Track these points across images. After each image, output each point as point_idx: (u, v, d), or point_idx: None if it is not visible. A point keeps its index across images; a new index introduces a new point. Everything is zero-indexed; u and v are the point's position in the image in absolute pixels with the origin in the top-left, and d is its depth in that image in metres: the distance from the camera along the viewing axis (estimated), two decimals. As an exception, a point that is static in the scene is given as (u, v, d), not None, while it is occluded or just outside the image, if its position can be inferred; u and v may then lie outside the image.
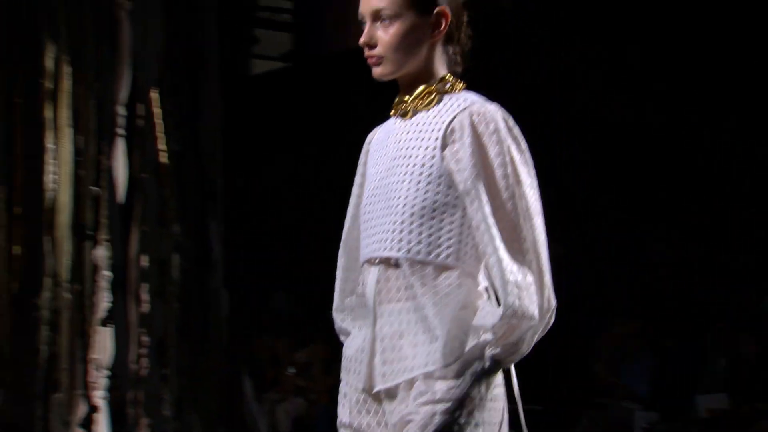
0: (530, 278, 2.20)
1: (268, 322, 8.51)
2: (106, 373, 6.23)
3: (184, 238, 6.50)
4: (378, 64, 2.38)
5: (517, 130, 2.27)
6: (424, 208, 2.26)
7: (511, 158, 2.23)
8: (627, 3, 9.30)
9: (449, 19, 2.35)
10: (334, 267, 2.61)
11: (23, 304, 6.12)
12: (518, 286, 2.17)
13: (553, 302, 2.24)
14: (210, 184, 6.60)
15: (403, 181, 2.30)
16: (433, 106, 2.35)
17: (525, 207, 2.22)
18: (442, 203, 2.26)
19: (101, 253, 6.24)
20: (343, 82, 9.45)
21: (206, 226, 6.57)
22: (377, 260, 2.32)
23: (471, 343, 2.20)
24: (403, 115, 2.39)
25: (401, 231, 2.28)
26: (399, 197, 2.30)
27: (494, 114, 2.26)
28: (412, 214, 2.27)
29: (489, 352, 2.19)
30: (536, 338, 2.25)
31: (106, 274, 6.23)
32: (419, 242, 2.26)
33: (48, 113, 6.24)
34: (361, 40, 2.39)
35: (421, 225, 2.26)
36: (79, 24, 6.34)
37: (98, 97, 6.30)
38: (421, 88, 2.37)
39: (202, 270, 6.55)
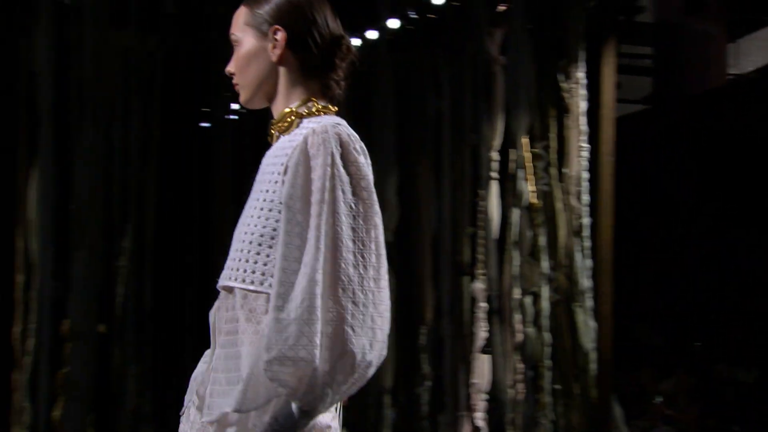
0: (312, 316, 1.88)
1: (633, 352, 7.89)
2: (485, 396, 6.50)
3: (553, 271, 6.45)
4: (238, 91, 2.23)
5: (355, 157, 2.01)
6: (262, 236, 2.04)
7: (332, 186, 1.95)
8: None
9: (285, 38, 2.13)
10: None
11: (409, 331, 6.69)
12: (284, 321, 1.89)
13: (354, 346, 1.88)
14: (576, 221, 6.43)
15: (252, 208, 2.10)
16: (292, 131, 2.12)
17: (332, 238, 1.92)
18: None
19: (479, 286, 6.52)
20: (703, 122, 9.04)
21: (573, 260, 6.41)
22: (223, 287, 2.15)
23: (275, 393, 1.94)
24: (271, 139, 2.20)
25: (239, 260, 2.07)
26: (246, 224, 2.10)
27: (328, 138, 2.00)
28: (251, 242, 2.06)
29: (294, 405, 1.91)
30: (347, 384, 1.91)
31: (483, 305, 6.50)
32: (254, 271, 2.03)
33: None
34: (226, 69, 2.25)
35: (258, 254, 2.04)
36: (459, 79, 6.73)
37: (474, 144, 6.61)
38: (283, 112, 2.15)
39: (570, 302, 6.41)
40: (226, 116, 7.90)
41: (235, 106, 8.06)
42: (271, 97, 2.19)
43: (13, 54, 5.90)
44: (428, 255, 6.75)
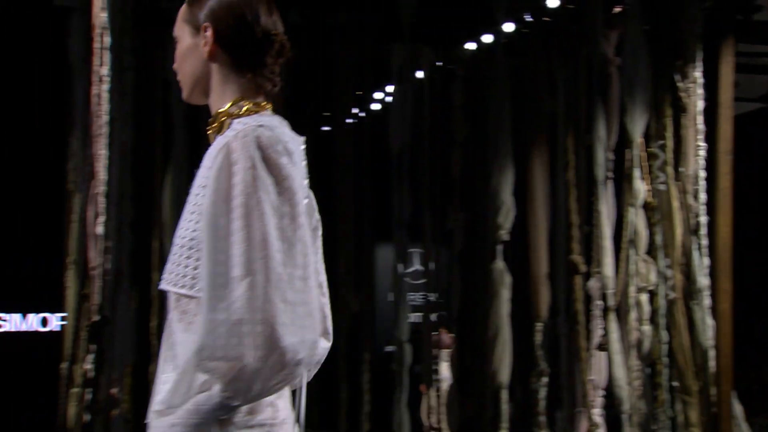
0: (245, 316, 1.84)
1: (753, 350, 7.50)
2: (602, 393, 6.40)
3: (669, 269, 6.30)
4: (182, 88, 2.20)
5: (277, 159, 1.93)
6: (192, 239, 1.99)
7: (255, 188, 1.88)
8: None
9: (213, 34, 2.08)
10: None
11: (525, 328, 6.65)
12: (215, 322, 1.85)
13: (284, 345, 1.84)
14: (693, 220, 6.27)
15: (187, 212, 2.05)
16: (224, 131, 2.05)
17: (260, 238, 1.86)
18: None
19: (594, 284, 6.43)
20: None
21: (691, 258, 6.25)
22: (162, 290, 2.10)
23: (201, 388, 1.91)
24: (209, 140, 2.12)
25: (173, 263, 2.03)
26: (180, 228, 2.05)
27: (248, 141, 1.92)
28: (182, 246, 2.02)
29: (216, 389, 1.87)
30: (274, 381, 1.88)
31: (599, 303, 6.41)
32: (184, 275, 2.00)
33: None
34: (174, 66, 2.21)
35: (188, 258, 2.00)
36: (574, 81, 6.65)
37: (589, 144, 6.52)
38: (216, 113, 2.10)
39: (687, 300, 6.26)
40: (347, 120, 7.99)
41: (355, 111, 8.17)
42: (208, 93, 2.13)
43: (149, 64, 6.09)
44: (544, 253, 6.69)
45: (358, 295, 7.61)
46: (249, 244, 1.86)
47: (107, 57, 5.04)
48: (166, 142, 6.15)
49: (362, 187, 7.65)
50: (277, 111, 2.13)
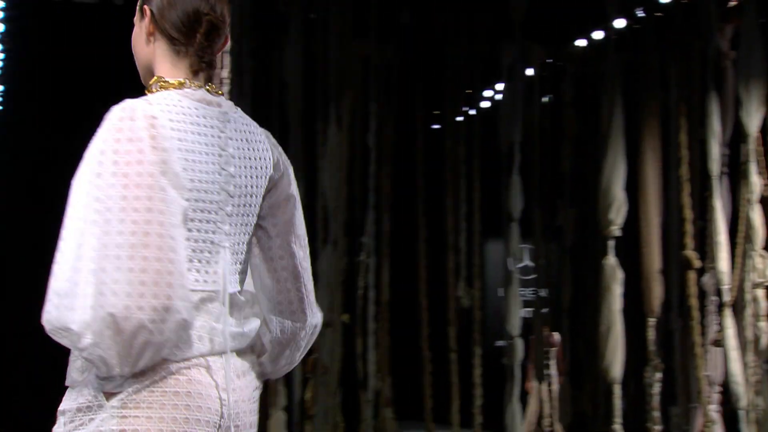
0: (74, 283, 1.83)
1: None
2: (719, 389, 6.26)
3: (786, 265, 6.11)
4: None
5: (135, 131, 1.91)
6: None
7: (103, 156, 1.88)
8: None
9: (150, 16, 2.11)
10: None
11: (638, 323, 6.54)
12: (51, 290, 1.85)
13: (117, 308, 1.80)
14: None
15: None
16: None
17: (100, 207, 1.85)
18: None
19: (709, 280, 6.29)
20: None
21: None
22: None
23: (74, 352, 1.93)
24: None
25: None
26: None
27: (114, 112, 1.93)
28: None
29: (80, 360, 1.91)
30: (119, 345, 1.82)
31: (714, 298, 6.26)
32: None
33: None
34: None
35: None
36: (687, 75, 6.52)
37: (702, 139, 6.38)
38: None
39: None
40: (456, 118, 8.00)
41: (465, 108, 8.17)
42: (144, 73, 2.15)
43: (267, 66, 6.22)
44: (656, 249, 6.56)
45: (469, 290, 7.61)
46: (86, 210, 1.85)
47: (227, 60, 5.17)
48: (283, 140, 6.26)
49: (473, 184, 7.65)
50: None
